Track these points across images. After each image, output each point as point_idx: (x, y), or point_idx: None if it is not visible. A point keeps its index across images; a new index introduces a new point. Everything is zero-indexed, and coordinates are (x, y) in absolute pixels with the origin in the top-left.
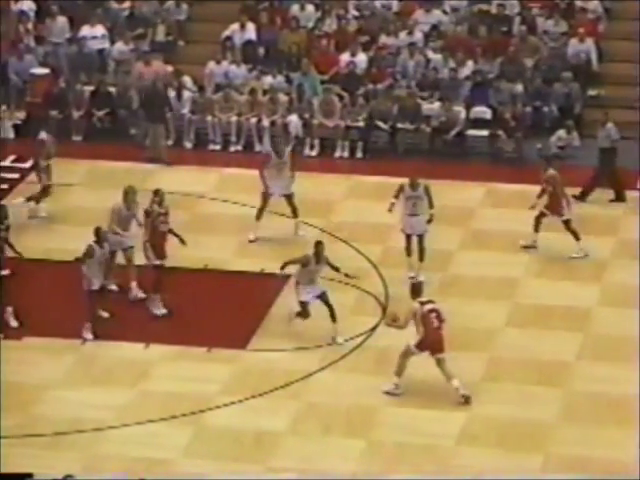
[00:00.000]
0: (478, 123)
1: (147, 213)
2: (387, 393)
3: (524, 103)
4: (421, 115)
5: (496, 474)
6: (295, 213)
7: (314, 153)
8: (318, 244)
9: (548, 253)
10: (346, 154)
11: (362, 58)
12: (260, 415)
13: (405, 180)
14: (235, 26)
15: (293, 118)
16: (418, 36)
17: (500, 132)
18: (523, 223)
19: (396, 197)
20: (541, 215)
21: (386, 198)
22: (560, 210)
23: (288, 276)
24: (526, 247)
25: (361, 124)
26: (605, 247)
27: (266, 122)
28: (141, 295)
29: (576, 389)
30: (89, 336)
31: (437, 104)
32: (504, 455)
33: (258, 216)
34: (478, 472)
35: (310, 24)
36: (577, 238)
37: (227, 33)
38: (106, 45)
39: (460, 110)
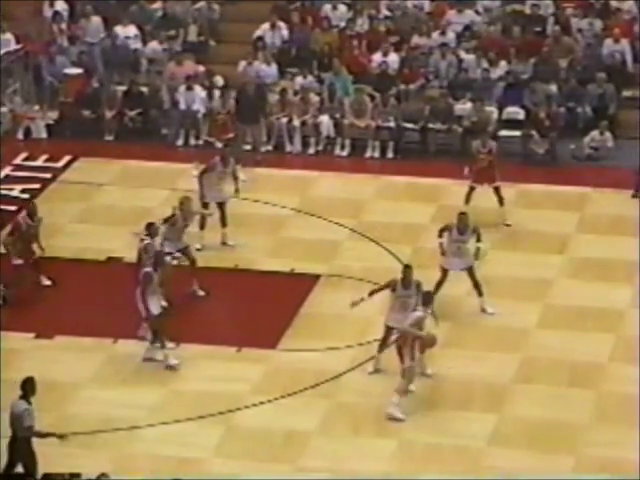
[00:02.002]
0: (511, 124)
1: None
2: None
3: (558, 104)
4: (453, 115)
5: (527, 475)
6: (224, 222)
7: (345, 153)
8: (406, 268)
9: (582, 254)
10: (377, 154)
11: (394, 58)
12: (290, 415)
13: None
14: (266, 26)
15: (324, 118)
16: (450, 36)
17: (533, 132)
18: (556, 224)
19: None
20: None
21: (417, 198)
22: None
23: (318, 276)
24: None
25: (392, 124)
26: (638, 249)
27: (297, 122)
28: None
29: (608, 390)
30: (148, 335)
31: (469, 104)
32: (535, 456)
33: (202, 225)
34: (508, 473)
35: (342, 24)
36: None
37: (259, 33)
38: (138, 45)
39: (492, 110)
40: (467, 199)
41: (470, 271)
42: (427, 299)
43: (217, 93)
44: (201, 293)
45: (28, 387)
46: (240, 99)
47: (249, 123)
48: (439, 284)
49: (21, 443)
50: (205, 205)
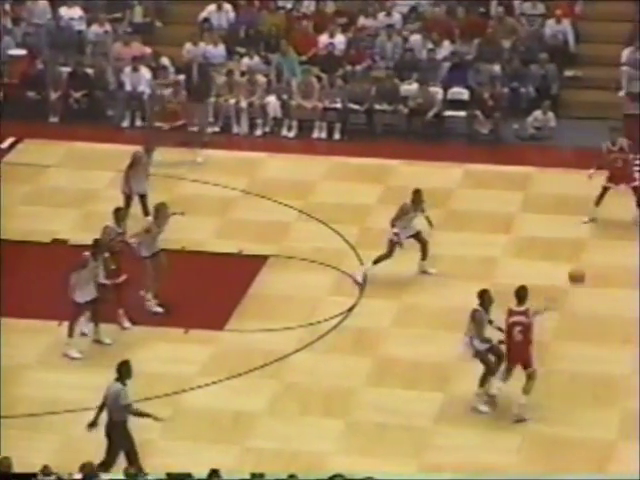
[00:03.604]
0: (456, 104)
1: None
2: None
3: (502, 84)
4: (399, 96)
5: (472, 452)
6: (146, 213)
7: (292, 134)
8: None
9: (526, 233)
10: (324, 135)
11: (341, 39)
12: (238, 396)
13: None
14: (212, 7)
15: (271, 99)
16: (396, 17)
17: (478, 113)
18: (500, 203)
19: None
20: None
21: (364, 179)
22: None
23: (266, 257)
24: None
25: (339, 105)
26: (583, 227)
27: (244, 103)
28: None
29: (554, 368)
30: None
31: (415, 85)
32: (481, 434)
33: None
34: (454, 450)
35: (289, 5)
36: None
37: (205, 14)
38: (83, 27)
39: (438, 91)
40: (598, 201)
41: (418, 236)
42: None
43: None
44: None
45: (123, 370)
46: (188, 80)
47: (199, 103)
48: (385, 256)
49: (117, 426)
50: (128, 198)
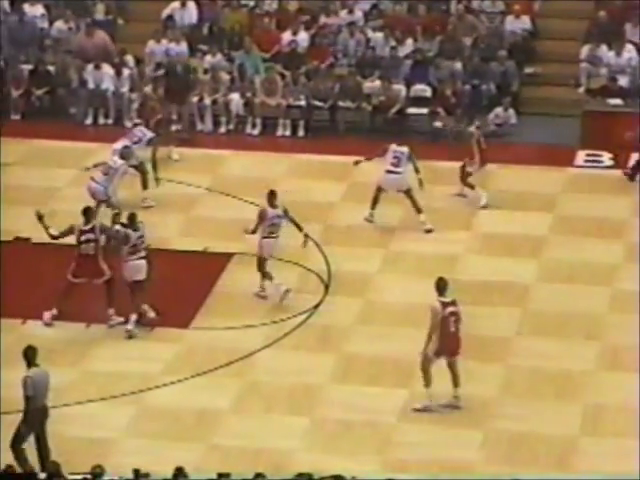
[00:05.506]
0: (418, 101)
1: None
2: (418, 410)
3: (463, 81)
4: (362, 93)
5: (435, 449)
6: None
7: (256, 132)
8: None
9: (487, 230)
10: (288, 133)
11: (303, 37)
12: (202, 394)
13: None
14: (176, 4)
15: (235, 97)
16: (358, 15)
17: (440, 110)
18: (461, 200)
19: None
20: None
21: (327, 176)
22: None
23: (231, 254)
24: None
25: (302, 103)
26: (544, 223)
27: (208, 101)
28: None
29: (515, 364)
30: (133, 328)
31: (377, 82)
32: (445, 431)
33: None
34: (417, 447)
35: (251, 3)
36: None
37: (168, 12)
38: (45, 24)
39: (400, 88)
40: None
41: (408, 193)
42: None
43: (127, 72)
44: None
45: (30, 354)
46: (168, 79)
47: (178, 103)
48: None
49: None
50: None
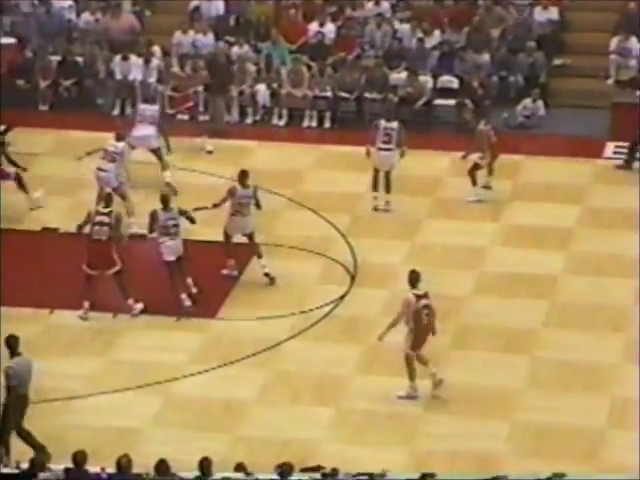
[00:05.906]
0: (445, 93)
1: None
2: (402, 398)
3: (490, 73)
4: (388, 85)
5: (462, 441)
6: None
7: (282, 123)
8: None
9: (515, 221)
10: (314, 124)
11: (330, 28)
12: (229, 384)
13: None
14: None
15: (261, 88)
16: (385, 6)
17: (467, 101)
18: (489, 191)
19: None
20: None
21: (353, 168)
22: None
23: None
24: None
25: (329, 94)
26: (572, 215)
27: (234, 92)
28: None
29: (542, 356)
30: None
31: (404, 74)
32: (470, 422)
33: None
34: (443, 438)
35: None
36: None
37: (195, 4)
38: (73, 16)
39: (427, 80)
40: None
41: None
42: None
43: (155, 62)
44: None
45: (13, 343)
46: (211, 70)
47: (219, 94)
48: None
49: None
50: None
